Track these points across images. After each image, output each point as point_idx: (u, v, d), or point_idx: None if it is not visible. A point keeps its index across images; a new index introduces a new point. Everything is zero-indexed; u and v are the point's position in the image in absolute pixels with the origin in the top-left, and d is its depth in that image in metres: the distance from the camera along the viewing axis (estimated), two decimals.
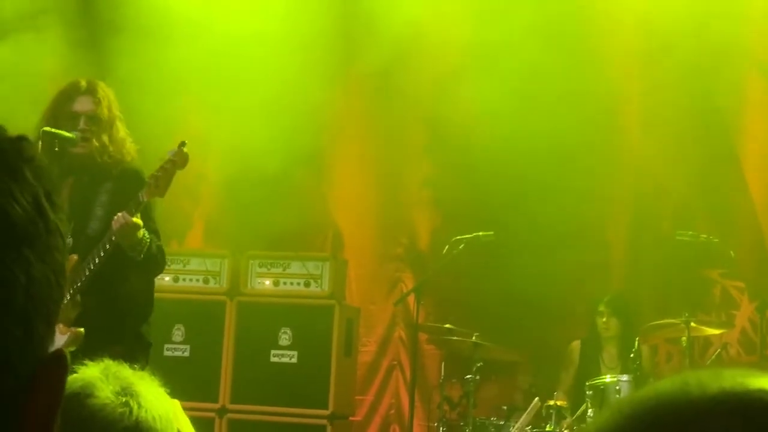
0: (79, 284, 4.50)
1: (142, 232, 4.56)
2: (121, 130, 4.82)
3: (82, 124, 4.71)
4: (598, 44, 8.22)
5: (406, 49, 8.60)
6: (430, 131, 8.82)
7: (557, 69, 8.03)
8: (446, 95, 8.72)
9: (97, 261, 4.52)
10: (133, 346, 4.49)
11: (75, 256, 4.54)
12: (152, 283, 4.84)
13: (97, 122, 4.73)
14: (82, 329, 4.40)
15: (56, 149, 4.55)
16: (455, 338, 7.08)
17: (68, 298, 4.47)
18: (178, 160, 4.45)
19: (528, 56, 8.16)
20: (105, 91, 4.86)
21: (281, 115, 8.30)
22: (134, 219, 4.47)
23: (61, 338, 4.33)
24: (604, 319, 7.23)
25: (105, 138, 4.73)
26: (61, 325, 4.36)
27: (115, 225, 4.47)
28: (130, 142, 4.87)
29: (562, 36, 8.12)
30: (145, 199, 4.47)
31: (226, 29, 8.58)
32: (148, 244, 4.60)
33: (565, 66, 8.04)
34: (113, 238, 4.48)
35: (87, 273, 4.51)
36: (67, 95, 4.79)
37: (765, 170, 8.09)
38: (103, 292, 4.55)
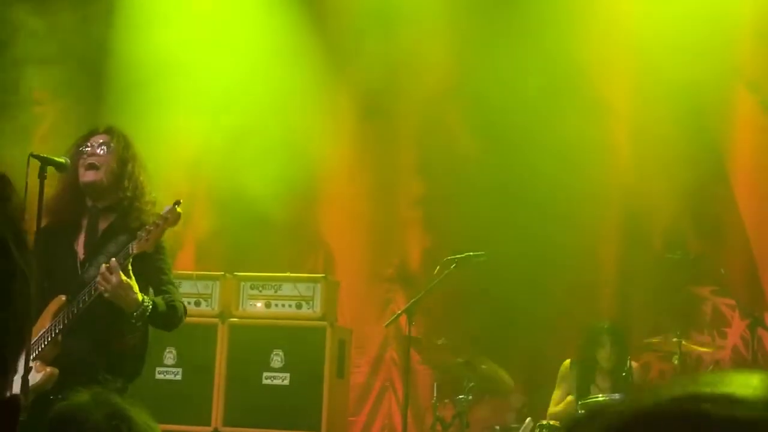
0: (61, 326, 4.45)
1: (141, 297, 4.41)
2: (140, 174, 4.71)
3: (90, 150, 4.65)
4: (587, 63, 8.26)
5: (396, 70, 8.63)
6: (421, 152, 8.84)
7: (546, 89, 8.06)
8: (436, 116, 8.75)
9: (80, 306, 4.41)
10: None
11: (63, 297, 4.52)
12: (147, 340, 4.68)
13: (108, 149, 4.66)
14: (56, 370, 4.37)
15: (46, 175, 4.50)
16: (447, 359, 7.08)
17: (49, 337, 4.44)
18: (171, 218, 4.40)
19: (516, 77, 8.20)
20: (124, 133, 4.80)
21: (272, 137, 8.33)
22: (124, 278, 4.33)
23: (36, 376, 4.32)
24: (607, 349, 7.17)
25: (115, 167, 4.64)
26: (38, 363, 4.34)
27: (100, 281, 4.35)
28: (151, 195, 4.73)
29: (550, 56, 8.15)
30: (134, 251, 4.37)
31: (216, 54, 8.62)
32: (149, 310, 4.44)
33: (553, 86, 8.08)
34: (96, 287, 4.38)
35: (70, 317, 4.44)
36: (84, 137, 4.76)
37: (754, 187, 8.11)
38: (91, 340, 4.46)
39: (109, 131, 4.76)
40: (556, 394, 7.27)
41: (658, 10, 8.06)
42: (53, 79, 8.63)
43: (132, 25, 8.54)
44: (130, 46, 8.51)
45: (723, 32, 7.93)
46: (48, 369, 4.36)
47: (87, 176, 4.63)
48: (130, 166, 4.68)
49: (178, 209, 4.40)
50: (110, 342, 4.47)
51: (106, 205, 4.69)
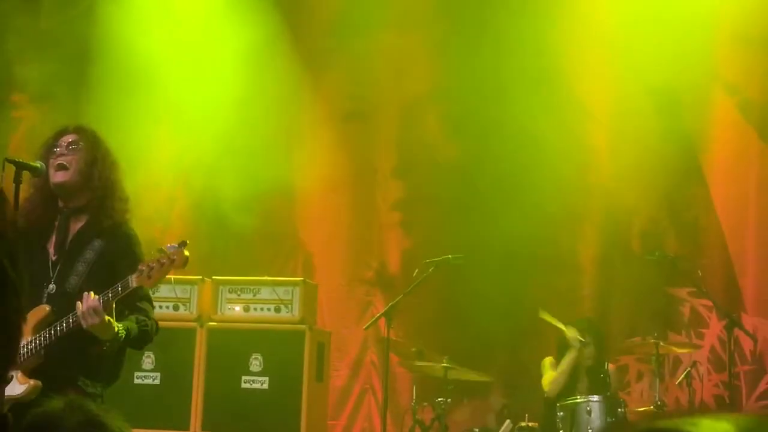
0: (44, 342, 4.41)
1: (116, 329, 4.37)
2: (110, 172, 4.65)
3: (60, 151, 4.62)
4: (566, 66, 8.28)
5: (374, 74, 8.64)
6: (400, 155, 8.84)
7: (525, 91, 8.08)
8: (415, 119, 8.77)
9: (62, 331, 4.36)
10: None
11: (47, 308, 4.48)
12: (124, 352, 4.65)
13: (76, 150, 4.61)
14: (39, 383, 4.33)
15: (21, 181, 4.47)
16: (426, 363, 7.08)
17: (34, 350, 4.41)
18: (178, 260, 4.33)
19: (494, 80, 8.23)
20: (93, 132, 4.75)
21: (250, 140, 8.32)
22: (106, 318, 4.29)
23: (19, 387, 4.28)
24: (590, 348, 7.19)
25: (83, 167, 4.58)
26: (19, 374, 4.31)
27: (83, 318, 4.29)
28: (123, 192, 4.69)
29: (528, 59, 8.18)
30: (134, 285, 4.32)
31: (195, 60, 8.62)
32: (121, 339, 4.41)
33: (532, 88, 8.09)
34: (76, 320, 4.32)
35: (52, 336, 4.41)
36: (54, 135, 4.71)
37: (730, 189, 8.16)
38: (66, 347, 4.41)
39: (78, 130, 4.71)
40: (549, 376, 7.19)
41: (637, 12, 8.09)
42: (33, 83, 8.62)
43: (113, 30, 8.50)
44: (110, 51, 8.49)
45: (700, 35, 7.97)
46: (31, 382, 4.32)
47: (57, 177, 4.59)
48: (99, 165, 4.63)
49: (186, 252, 4.34)
50: (88, 347, 4.44)
51: (78, 206, 4.65)
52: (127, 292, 4.35)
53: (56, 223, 4.65)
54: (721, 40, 8.11)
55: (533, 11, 8.29)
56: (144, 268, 4.30)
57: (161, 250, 4.33)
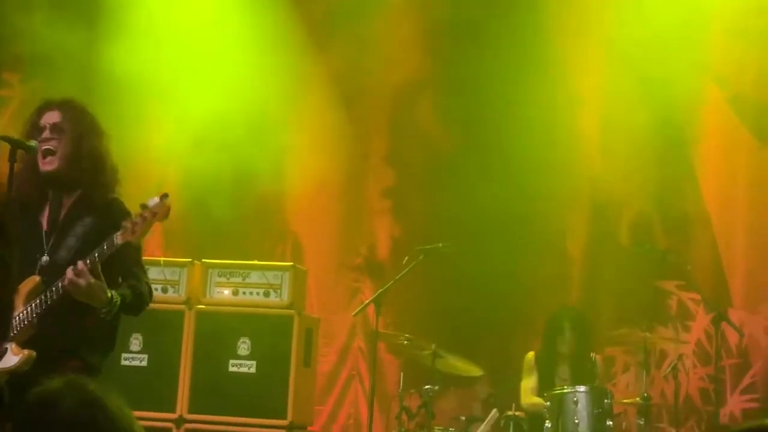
0: (35, 312, 4.41)
1: (109, 294, 4.36)
2: (97, 146, 4.62)
3: (45, 135, 4.59)
4: (559, 57, 8.29)
5: (367, 60, 8.63)
6: (392, 141, 8.84)
7: (517, 82, 8.09)
8: (407, 106, 8.77)
9: (50, 300, 4.36)
10: (74, 371, 4.32)
11: (37, 278, 4.47)
12: (118, 315, 4.60)
13: (61, 133, 4.58)
14: (33, 352, 4.33)
15: (17, 160, 4.45)
16: (414, 350, 7.10)
17: (26, 321, 4.40)
18: (160, 212, 4.29)
19: (487, 69, 8.23)
20: (76, 105, 4.70)
21: (240, 126, 8.31)
22: (92, 280, 4.27)
23: (13, 359, 4.27)
24: (566, 336, 7.24)
25: (70, 150, 4.56)
26: (13, 346, 4.30)
27: (68, 285, 4.29)
28: (111, 163, 4.67)
29: (522, 49, 8.18)
30: (119, 242, 4.29)
31: (185, 44, 8.59)
32: (117, 306, 4.41)
33: (524, 78, 8.10)
34: (64, 287, 4.32)
35: (41, 306, 4.40)
36: (37, 111, 4.67)
37: (720, 183, 8.18)
38: (62, 317, 4.41)
39: (61, 106, 4.67)
40: (528, 383, 7.28)
41: (630, 6, 8.10)
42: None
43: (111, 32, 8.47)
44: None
45: (693, 29, 7.99)
46: (26, 352, 4.31)
47: (44, 165, 4.56)
48: (86, 140, 4.60)
49: (167, 202, 4.33)
50: (84, 317, 4.43)
51: (69, 183, 4.63)
52: (112, 250, 4.32)
53: (49, 197, 4.64)
54: (713, 33, 8.13)
55: (527, 3, 8.29)
56: (128, 224, 4.29)
57: (143, 205, 4.32)
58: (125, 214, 4.56)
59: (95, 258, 4.32)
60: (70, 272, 4.30)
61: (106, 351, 4.65)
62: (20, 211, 4.58)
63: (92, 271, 4.32)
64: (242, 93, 8.34)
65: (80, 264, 4.30)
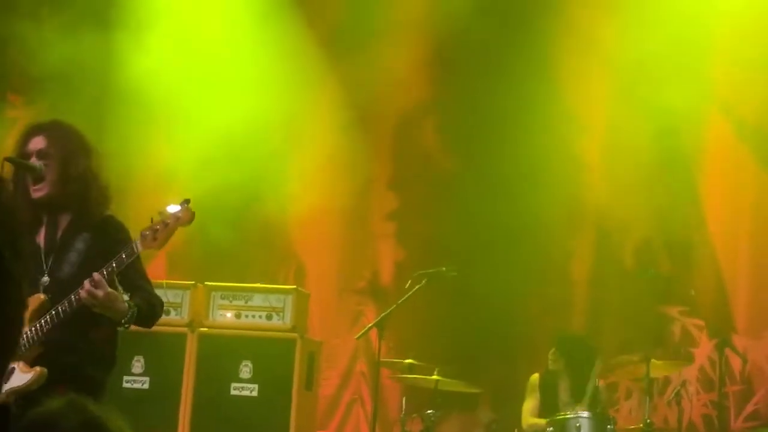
0: (43, 329, 4.38)
1: (126, 303, 4.33)
2: (85, 167, 4.57)
3: (32, 161, 4.52)
4: (563, 83, 8.30)
5: (372, 85, 8.64)
6: (395, 166, 8.85)
7: (521, 107, 8.10)
8: (411, 131, 8.78)
9: (62, 314, 4.34)
10: (81, 388, 4.29)
11: (42, 296, 4.45)
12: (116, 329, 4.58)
13: (47, 158, 4.54)
14: (45, 369, 4.30)
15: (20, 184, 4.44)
16: (416, 376, 7.07)
17: (34, 339, 4.38)
18: (183, 216, 4.28)
19: (491, 95, 8.25)
20: (62, 127, 4.67)
21: (246, 149, 8.31)
22: (110, 290, 4.24)
23: (24, 377, 4.25)
24: (567, 359, 7.22)
25: (58, 175, 4.52)
26: (21, 364, 4.27)
27: (87, 297, 4.24)
28: (102, 181, 4.62)
29: (526, 74, 8.19)
30: (140, 250, 4.27)
31: (197, 66, 8.61)
32: (134, 316, 4.37)
33: (528, 104, 8.11)
34: (78, 299, 4.28)
35: (52, 321, 4.38)
36: (24, 137, 4.64)
37: (724, 209, 8.18)
38: (68, 333, 4.39)
39: (47, 131, 4.63)
40: (529, 404, 7.24)
41: (635, 32, 8.11)
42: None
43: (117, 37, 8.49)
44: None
45: (697, 56, 8.01)
46: (37, 369, 4.28)
47: (35, 193, 4.54)
48: (74, 162, 4.56)
49: (190, 207, 4.31)
50: (88, 332, 4.42)
51: (61, 205, 4.61)
52: (131, 259, 4.28)
53: (43, 220, 4.62)
54: (717, 60, 8.14)
55: (533, 27, 8.31)
56: (148, 232, 4.24)
57: (162, 212, 4.28)
58: (121, 230, 4.55)
59: (113, 268, 4.30)
60: (87, 284, 4.26)
61: (109, 366, 4.63)
62: None
63: (109, 282, 4.29)
64: (246, 117, 8.35)
65: (96, 275, 4.26)
